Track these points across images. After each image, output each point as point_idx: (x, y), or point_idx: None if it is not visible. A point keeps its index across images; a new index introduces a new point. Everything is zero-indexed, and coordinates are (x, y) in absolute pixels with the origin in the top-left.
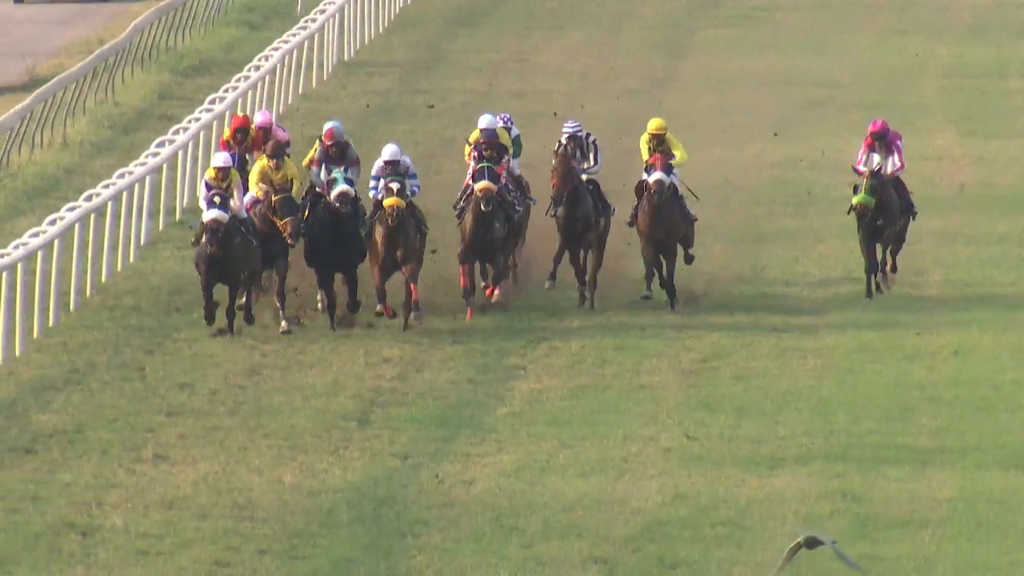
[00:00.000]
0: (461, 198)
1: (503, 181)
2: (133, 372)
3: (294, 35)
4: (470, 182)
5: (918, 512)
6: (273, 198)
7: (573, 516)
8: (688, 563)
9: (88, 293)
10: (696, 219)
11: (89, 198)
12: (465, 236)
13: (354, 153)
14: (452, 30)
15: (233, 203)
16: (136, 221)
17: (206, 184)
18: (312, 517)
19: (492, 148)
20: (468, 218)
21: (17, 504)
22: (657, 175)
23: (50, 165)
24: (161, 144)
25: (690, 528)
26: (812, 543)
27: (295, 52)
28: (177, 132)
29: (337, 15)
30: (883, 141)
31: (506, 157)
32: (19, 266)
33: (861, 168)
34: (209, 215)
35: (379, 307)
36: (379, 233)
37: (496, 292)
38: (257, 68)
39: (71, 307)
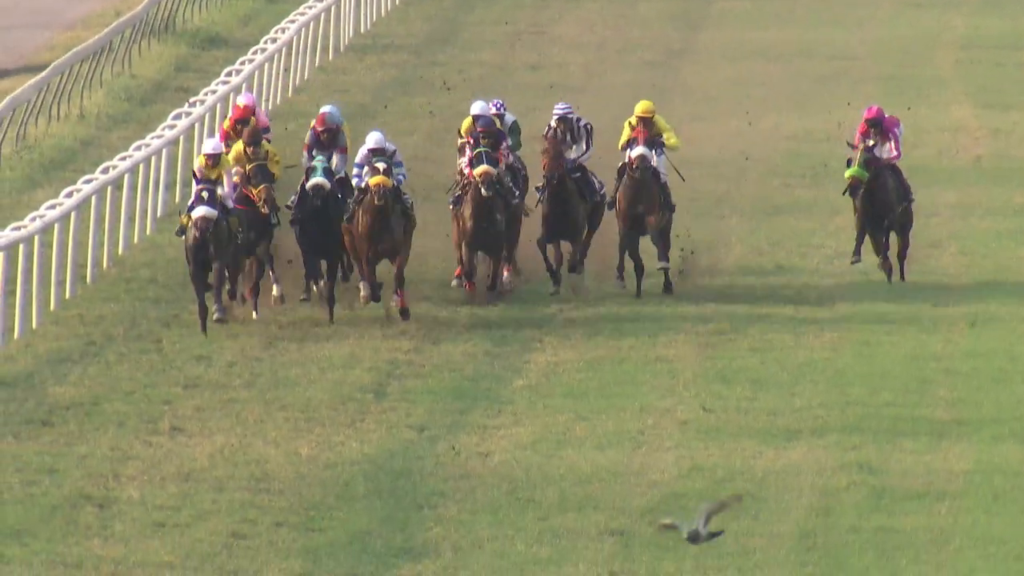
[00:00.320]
0: (456, 187)
1: (501, 166)
2: (150, 344)
3: (311, 7)
4: (467, 170)
5: (934, 484)
6: (247, 167)
7: (589, 488)
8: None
9: (105, 265)
10: (674, 208)
11: (106, 170)
12: (464, 225)
13: (344, 140)
14: (468, 2)
15: (222, 191)
16: (153, 193)
17: (195, 175)
18: (329, 489)
19: (490, 136)
20: (467, 207)
21: (34, 476)
22: (639, 149)
23: (67, 137)
24: (178, 116)
25: (706, 500)
26: (694, 536)
27: (312, 25)
28: (194, 104)
29: None
30: (878, 128)
31: (504, 143)
32: (36, 239)
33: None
34: (198, 212)
35: (363, 293)
36: (363, 221)
37: (506, 275)
38: (274, 41)
39: (88, 280)
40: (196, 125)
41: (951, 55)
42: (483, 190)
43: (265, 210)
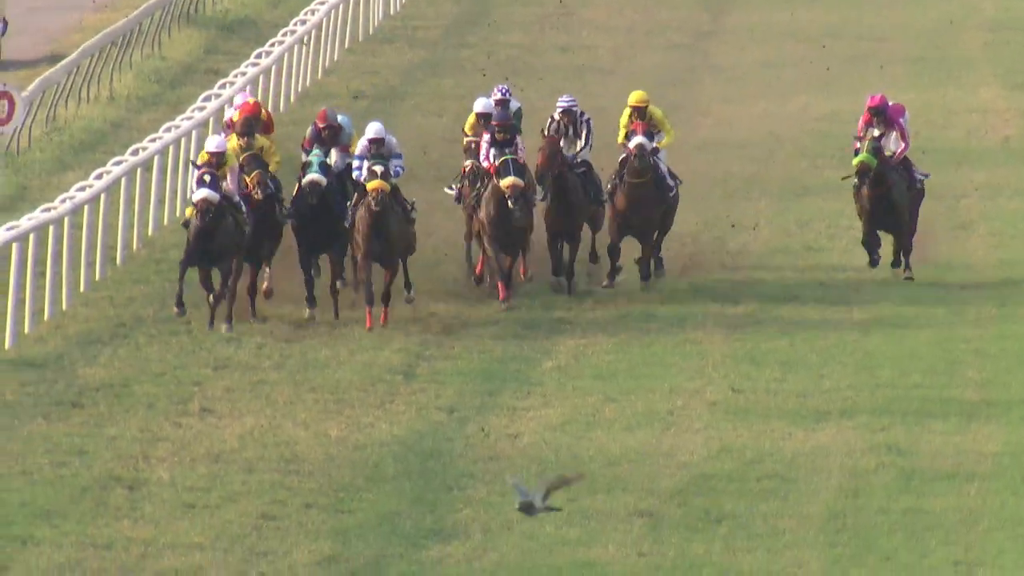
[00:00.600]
0: (476, 185)
1: (528, 175)
2: (179, 326)
3: None
4: (484, 163)
5: (963, 465)
6: (240, 157)
7: (619, 470)
8: (733, 516)
9: (135, 247)
10: (676, 204)
11: (135, 152)
12: (486, 227)
13: (347, 138)
14: None
15: (227, 185)
16: (183, 175)
17: (195, 165)
18: (358, 471)
19: (505, 131)
20: (490, 209)
21: (64, 458)
22: (638, 139)
23: (97, 120)
24: (207, 98)
25: (736, 481)
26: (527, 508)
27: (341, 6)
28: (223, 86)
29: None
30: (882, 116)
31: (519, 138)
32: (66, 220)
33: (857, 146)
34: (199, 195)
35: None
36: (363, 222)
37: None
38: (303, 23)
39: (117, 261)
40: (225, 107)
41: (980, 36)
42: (509, 203)
43: (259, 195)
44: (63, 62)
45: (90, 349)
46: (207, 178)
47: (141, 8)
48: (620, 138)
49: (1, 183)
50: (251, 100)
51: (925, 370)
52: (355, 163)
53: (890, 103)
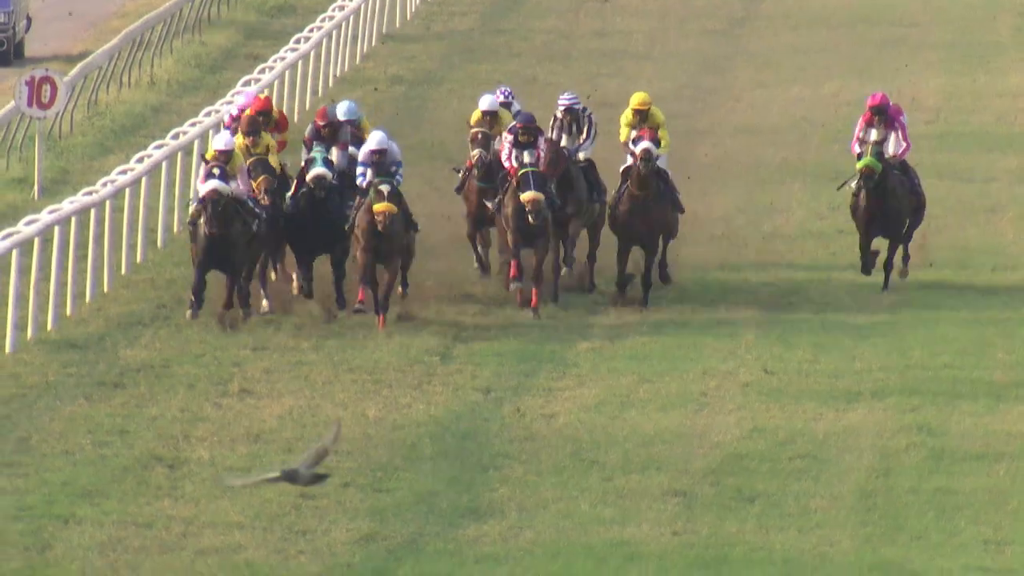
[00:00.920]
0: (489, 178)
1: (550, 185)
2: (219, 307)
3: None
4: (506, 163)
5: (993, 446)
6: (247, 160)
7: (652, 450)
8: (766, 496)
9: (175, 230)
10: (683, 210)
11: (176, 136)
12: (510, 225)
13: (346, 136)
14: None
15: (236, 185)
16: None
17: (204, 159)
18: (395, 451)
19: (529, 133)
20: (509, 206)
21: (106, 437)
22: (644, 144)
23: (138, 104)
24: (247, 83)
25: (768, 461)
26: (291, 476)
27: None
28: (262, 71)
29: None
30: (883, 116)
31: (542, 138)
32: (107, 203)
33: (857, 148)
34: (207, 187)
35: (357, 303)
36: (363, 231)
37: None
38: (341, 8)
39: (158, 244)
40: (266, 92)
41: (1010, 21)
42: (531, 219)
43: (265, 200)
44: (105, 46)
45: (131, 331)
46: (216, 171)
47: None
48: (623, 136)
49: (44, 167)
50: (261, 96)
51: (955, 351)
52: (359, 169)
53: (890, 103)
